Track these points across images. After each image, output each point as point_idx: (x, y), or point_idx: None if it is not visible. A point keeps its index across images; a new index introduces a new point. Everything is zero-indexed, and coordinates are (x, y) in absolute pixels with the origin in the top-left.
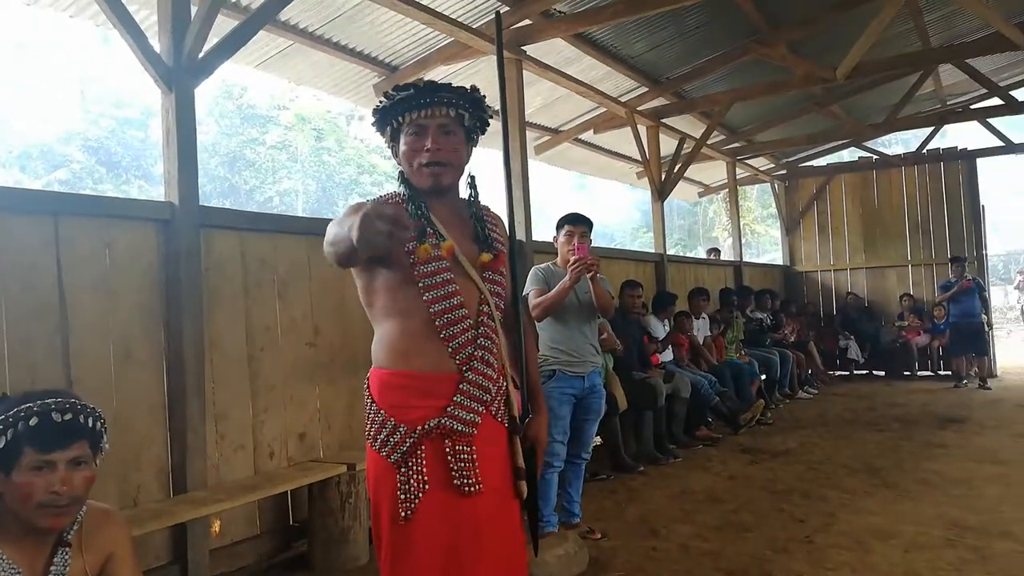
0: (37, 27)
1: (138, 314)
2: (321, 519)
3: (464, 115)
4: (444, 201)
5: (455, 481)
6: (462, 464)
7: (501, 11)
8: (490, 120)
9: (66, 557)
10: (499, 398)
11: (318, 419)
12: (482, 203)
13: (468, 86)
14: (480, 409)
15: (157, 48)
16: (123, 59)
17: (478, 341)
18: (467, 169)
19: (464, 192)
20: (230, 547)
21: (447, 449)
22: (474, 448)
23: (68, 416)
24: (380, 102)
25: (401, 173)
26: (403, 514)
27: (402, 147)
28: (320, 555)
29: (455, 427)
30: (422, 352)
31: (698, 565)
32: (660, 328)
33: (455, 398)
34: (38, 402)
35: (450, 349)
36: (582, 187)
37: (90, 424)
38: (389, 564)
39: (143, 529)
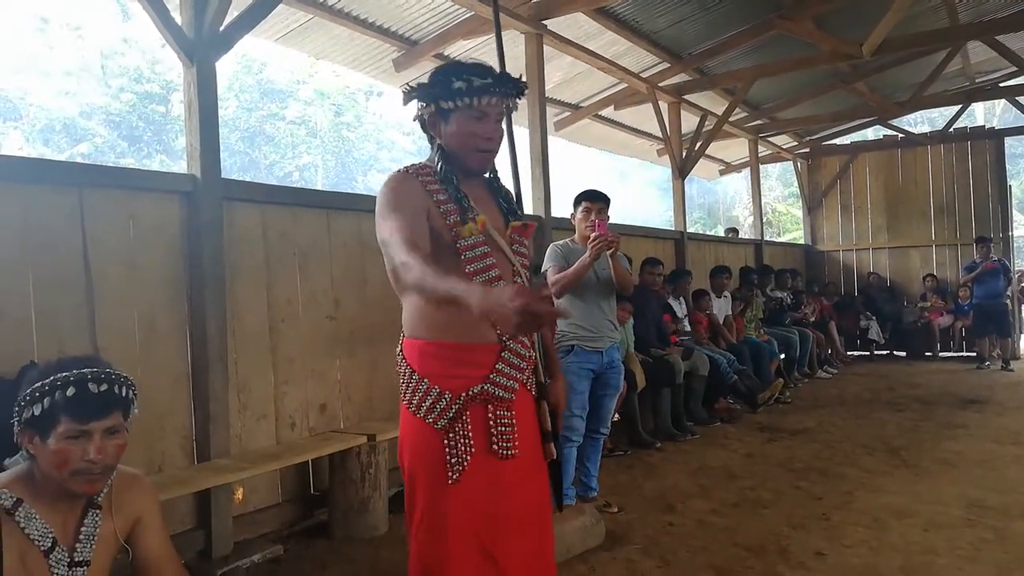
0: (59, 1)
1: (162, 285)
2: (341, 489)
3: (512, 104)
4: (473, 178)
5: (493, 446)
6: (503, 429)
7: None
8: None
9: (96, 519)
10: (530, 366)
11: (339, 390)
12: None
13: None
14: (519, 376)
15: (178, 21)
16: (143, 33)
17: None
18: None
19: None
20: (252, 514)
21: (489, 415)
22: (513, 414)
23: (104, 387)
24: (452, 80)
25: (441, 147)
26: (453, 476)
27: (455, 126)
28: (340, 524)
29: (497, 393)
30: (464, 323)
31: (715, 540)
32: (679, 307)
33: (497, 366)
34: (74, 371)
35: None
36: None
37: (124, 394)
38: (426, 528)
39: (168, 495)
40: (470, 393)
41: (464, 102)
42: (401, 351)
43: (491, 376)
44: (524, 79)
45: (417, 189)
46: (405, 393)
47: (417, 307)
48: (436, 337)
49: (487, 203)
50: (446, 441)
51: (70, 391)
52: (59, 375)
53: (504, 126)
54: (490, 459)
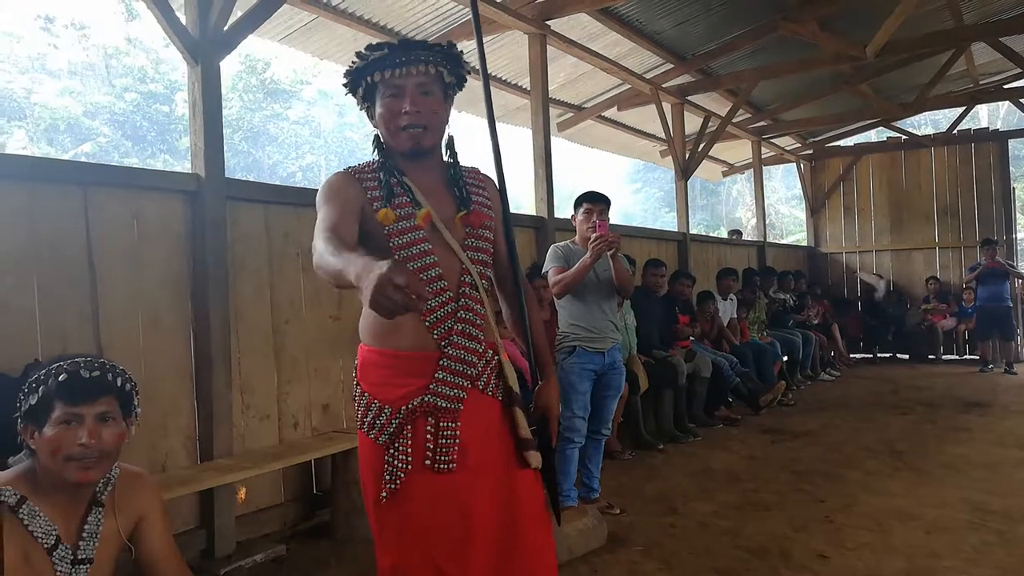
0: (63, 1)
1: (165, 284)
2: (344, 489)
3: (443, 72)
4: (424, 167)
5: (426, 460)
6: (443, 442)
7: None
8: (467, 77)
9: (99, 516)
10: (488, 371)
11: (341, 391)
12: (472, 166)
13: (446, 43)
14: (465, 384)
15: (183, 21)
16: (148, 33)
17: (458, 314)
18: (447, 131)
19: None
20: (255, 514)
21: (428, 427)
22: (458, 425)
23: (96, 372)
24: (352, 63)
25: (376, 137)
26: (382, 494)
27: (378, 109)
28: (342, 524)
29: (439, 403)
30: (400, 329)
31: (717, 542)
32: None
33: (436, 375)
34: (69, 361)
35: (427, 323)
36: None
37: (118, 383)
38: (379, 541)
39: (171, 494)
40: (410, 406)
41: (372, 79)
42: (356, 360)
43: (431, 386)
44: (452, 46)
45: (352, 188)
46: (355, 407)
47: (364, 311)
48: (376, 344)
49: (439, 193)
50: (386, 457)
51: (62, 376)
52: (54, 365)
53: (434, 99)
54: (430, 474)
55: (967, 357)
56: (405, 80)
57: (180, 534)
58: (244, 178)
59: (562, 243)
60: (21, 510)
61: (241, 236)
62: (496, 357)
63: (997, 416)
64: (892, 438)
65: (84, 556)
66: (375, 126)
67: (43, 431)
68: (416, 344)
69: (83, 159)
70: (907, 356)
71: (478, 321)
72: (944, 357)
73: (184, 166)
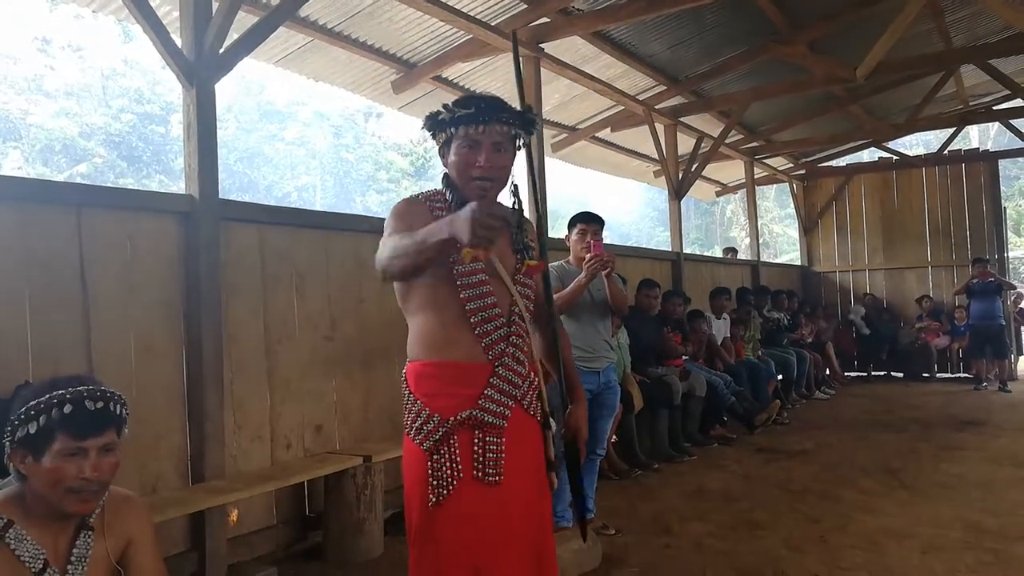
0: (60, 23)
1: (158, 305)
2: (336, 510)
3: (519, 134)
4: None
5: (475, 472)
6: (489, 455)
7: (518, 9)
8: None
9: (88, 540)
10: (531, 392)
11: (335, 411)
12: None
13: (520, 106)
14: (510, 403)
15: (178, 43)
16: (144, 55)
17: (510, 339)
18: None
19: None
20: (247, 536)
21: (475, 440)
22: (502, 440)
23: (100, 404)
24: (439, 112)
25: (447, 176)
26: (433, 499)
27: (453, 156)
28: (335, 546)
29: (486, 419)
30: (456, 342)
31: (712, 563)
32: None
33: (486, 391)
34: (70, 389)
35: (483, 344)
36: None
37: (118, 412)
38: (418, 550)
39: (162, 516)
40: (459, 417)
41: (451, 132)
42: (404, 377)
43: (479, 401)
44: (529, 109)
45: (423, 214)
46: (405, 415)
47: (417, 327)
48: (431, 357)
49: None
50: (430, 463)
51: (67, 408)
52: (55, 393)
53: (506, 155)
54: (479, 485)
55: (961, 375)
56: (483, 137)
57: (171, 557)
58: (239, 199)
59: (556, 263)
60: (8, 534)
61: (235, 257)
62: (537, 379)
63: (991, 434)
64: (887, 457)
65: None
66: (445, 165)
67: (41, 460)
68: (470, 356)
69: (79, 179)
70: (901, 374)
71: (524, 347)
72: (938, 375)
73: (180, 186)
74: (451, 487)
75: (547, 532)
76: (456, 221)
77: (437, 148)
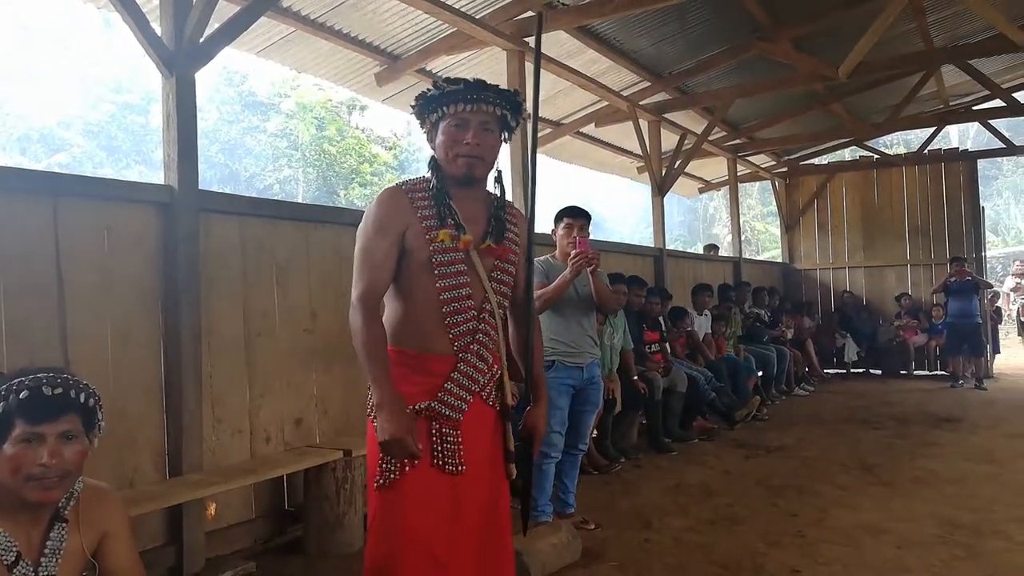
0: (41, 10)
1: (136, 296)
2: (316, 504)
3: (506, 115)
4: (469, 195)
5: (435, 461)
6: (447, 446)
7: (503, 3)
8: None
9: (63, 532)
10: (491, 384)
11: (315, 405)
12: (508, 200)
13: (511, 89)
14: (468, 397)
15: (158, 32)
16: (124, 43)
17: (477, 335)
18: (496, 165)
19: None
20: (225, 530)
21: (433, 431)
22: (459, 432)
23: (59, 390)
24: (428, 90)
25: (432, 159)
26: (381, 480)
27: (440, 136)
28: (314, 540)
29: (443, 412)
30: (425, 332)
31: (691, 557)
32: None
33: (446, 384)
34: (30, 376)
35: (450, 336)
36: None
37: (82, 400)
38: (377, 527)
39: (139, 510)
40: (417, 407)
41: (443, 111)
42: None
43: (439, 394)
44: (517, 93)
45: (404, 206)
46: (369, 399)
47: (390, 313)
48: (397, 344)
49: (479, 222)
50: None
51: (24, 394)
52: (15, 380)
53: (493, 136)
54: (436, 473)
55: (938, 373)
56: (472, 116)
57: (148, 551)
58: (220, 190)
59: (542, 258)
60: None
61: (214, 248)
62: (500, 372)
63: (966, 431)
64: (864, 453)
65: (46, 573)
66: (432, 148)
67: (3, 448)
68: (437, 347)
69: (57, 169)
70: (879, 371)
71: (490, 344)
72: (916, 372)
73: (159, 177)
74: (401, 472)
75: (501, 520)
76: (386, 427)
77: (425, 133)
